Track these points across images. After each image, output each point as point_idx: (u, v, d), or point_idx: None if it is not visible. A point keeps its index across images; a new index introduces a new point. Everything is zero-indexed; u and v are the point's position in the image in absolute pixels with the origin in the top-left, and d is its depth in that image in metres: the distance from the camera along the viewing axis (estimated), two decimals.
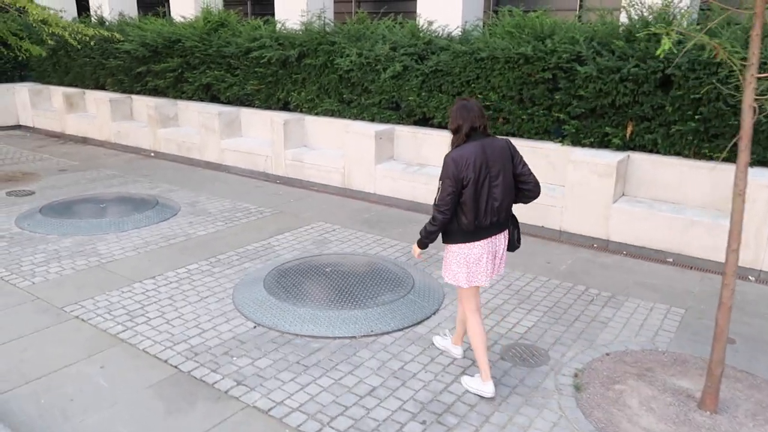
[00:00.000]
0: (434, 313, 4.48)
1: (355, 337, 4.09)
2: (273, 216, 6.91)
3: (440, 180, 3.22)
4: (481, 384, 3.49)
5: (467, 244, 3.32)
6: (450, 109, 3.34)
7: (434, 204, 3.28)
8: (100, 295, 4.73)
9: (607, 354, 3.94)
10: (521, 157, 3.39)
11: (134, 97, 11.11)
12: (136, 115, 11.15)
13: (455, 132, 3.28)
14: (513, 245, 3.58)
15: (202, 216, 6.84)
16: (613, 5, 6.68)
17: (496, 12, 8.54)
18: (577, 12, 8.95)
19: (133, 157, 10.19)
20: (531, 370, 3.76)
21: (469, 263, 3.34)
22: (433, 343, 4.04)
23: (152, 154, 10.31)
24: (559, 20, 6.94)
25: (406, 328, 4.24)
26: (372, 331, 4.14)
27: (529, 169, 3.41)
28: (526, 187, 3.39)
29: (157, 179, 8.55)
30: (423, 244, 3.43)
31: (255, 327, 4.23)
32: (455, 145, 3.27)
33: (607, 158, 5.92)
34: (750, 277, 5.24)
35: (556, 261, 5.62)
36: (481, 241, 3.32)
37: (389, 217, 6.91)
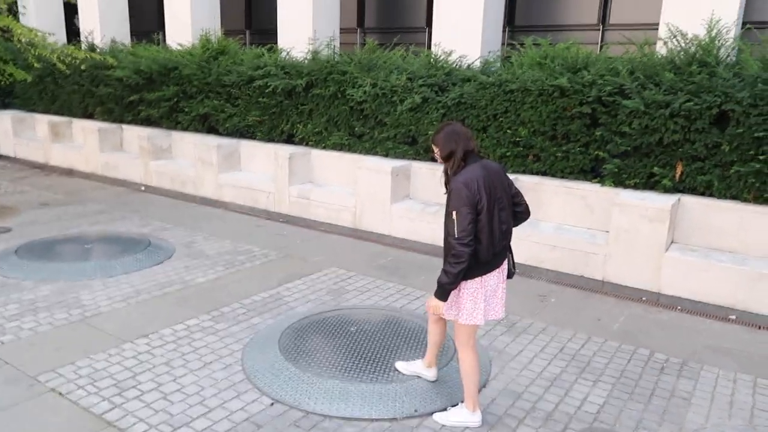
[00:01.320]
0: (485, 385, 3.77)
1: (396, 418, 3.36)
2: (279, 260, 6.19)
3: (453, 210, 3.00)
4: (469, 414, 3.31)
5: (485, 276, 3.14)
6: (435, 137, 3.18)
7: (455, 238, 2.98)
8: (82, 360, 3.95)
9: None
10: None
11: (125, 126, 10.43)
12: (127, 145, 10.46)
13: (447, 158, 3.14)
14: (510, 272, 3.37)
15: (199, 259, 6.10)
16: (634, 37, 6.18)
17: (512, 45, 8.09)
18: (599, 43, 8.51)
19: (122, 190, 9.44)
20: None
21: (487, 296, 3.17)
22: (398, 370, 3.76)
23: (143, 188, 9.58)
24: (588, 52, 6.45)
25: (455, 405, 3.52)
26: (416, 411, 3.41)
27: (519, 190, 3.35)
28: (519, 209, 3.32)
29: (148, 216, 7.81)
30: (447, 292, 3.09)
31: (272, 404, 3.48)
32: (453, 171, 3.12)
33: (659, 202, 5.32)
34: None
35: (607, 318, 4.96)
36: (496, 270, 3.19)
37: (409, 263, 6.22)
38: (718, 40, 5.73)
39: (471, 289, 3.11)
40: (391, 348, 4.09)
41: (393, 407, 3.42)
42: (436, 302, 3.14)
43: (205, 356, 4.05)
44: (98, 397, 3.53)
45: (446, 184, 3.20)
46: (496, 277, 3.18)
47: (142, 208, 8.27)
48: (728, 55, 5.88)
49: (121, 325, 4.50)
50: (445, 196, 3.13)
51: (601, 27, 8.77)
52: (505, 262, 3.26)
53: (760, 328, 4.84)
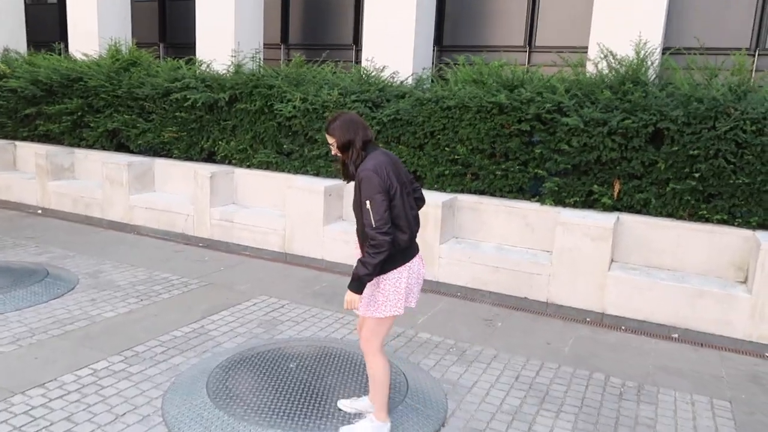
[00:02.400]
0: (443, 425, 3.40)
1: None
2: (202, 289, 5.58)
3: (367, 199, 2.86)
4: (381, 427, 3.12)
5: (408, 263, 3.04)
6: (330, 127, 3.04)
7: (372, 228, 2.84)
8: None
9: None
10: None
11: (19, 143, 9.35)
12: (21, 164, 9.37)
13: (345, 148, 3.02)
14: None
15: (108, 290, 5.37)
16: (558, 59, 6.23)
17: (442, 64, 7.99)
18: (527, 65, 8.59)
19: (14, 214, 8.38)
20: None
21: (410, 284, 3.07)
22: (339, 409, 3.40)
23: (39, 211, 8.56)
24: (523, 70, 6.41)
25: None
26: None
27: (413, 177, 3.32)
28: (417, 195, 3.28)
29: (46, 242, 6.91)
30: (364, 285, 2.94)
31: None
32: (354, 161, 3.00)
33: (601, 220, 5.25)
34: None
35: (556, 341, 4.76)
36: (417, 255, 3.12)
37: (344, 289, 5.79)
38: (648, 61, 5.84)
39: (393, 279, 2.99)
40: (338, 385, 3.64)
41: None
42: (352, 296, 2.96)
43: (116, 407, 3.41)
44: None
45: (345, 174, 3.11)
46: (418, 264, 3.12)
47: (38, 233, 7.33)
48: (655, 76, 6.02)
49: (10, 373, 3.75)
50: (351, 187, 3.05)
51: (528, 48, 8.89)
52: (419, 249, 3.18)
53: (702, 345, 4.82)
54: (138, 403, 3.47)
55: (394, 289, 3.00)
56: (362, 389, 3.63)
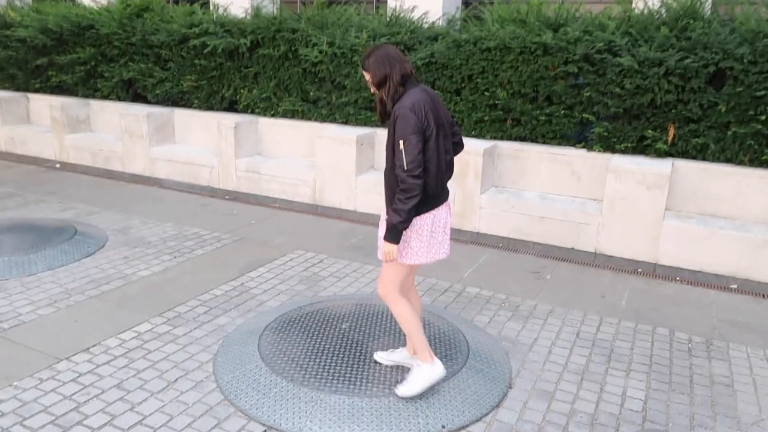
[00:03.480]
0: (510, 387, 3.23)
1: None
2: (235, 244, 5.38)
3: (401, 139, 2.66)
4: (430, 369, 2.94)
5: (434, 210, 2.87)
6: (366, 62, 2.82)
7: (404, 170, 2.66)
8: (4, 389, 3.07)
9: None
10: None
11: (32, 96, 9.03)
12: (35, 117, 9.07)
13: (381, 85, 2.81)
14: None
15: (140, 247, 5.19)
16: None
17: (466, 3, 7.52)
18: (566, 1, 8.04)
19: (33, 169, 8.16)
20: None
21: (435, 233, 2.90)
22: (377, 362, 3.30)
23: (58, 165, 8.33)
24: (568, 6, 5.95)
25: (486, 415, 2.96)
26: (444, 426, 2.82)
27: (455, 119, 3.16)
28: (456, 140, 3.07)
29: (68, 198, 6.70)
30: (400, 233, 2.75)
31: None
32: (392, 96, 2.78)
33: (657, 167, 4.95)
34: None
35: (611, 294, 4.55)
36: (444, 203, 2.94)
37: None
38: None
39: (416, 226, 2.83)
40: (397, 346, 3.46)
41: (416, 425, 2.81)
42: (389, 247, 2.78)
43: (167, 373, 3.26)
44: None
45: (382, 114, 2.87)
46: (445, 212, 2.96)
47: (60, 188, 7.12)
48: (711, 11, 5.56)
49: (51, 338, 3.60)
50: (387, 127, 2.81)
51: None
52: (449, 197, 3.01)
53: (764, 296, 4.60)
54: (188, 367, 3.31)
55: (417, 236, 2.85)
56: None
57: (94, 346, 3.51)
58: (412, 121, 2.66)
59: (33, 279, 4.47)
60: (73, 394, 3.03)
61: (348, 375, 3.15)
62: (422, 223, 2.84)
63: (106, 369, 3.27)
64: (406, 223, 2.72)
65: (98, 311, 3.97)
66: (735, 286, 4.77)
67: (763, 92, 4.74)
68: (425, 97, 2.78)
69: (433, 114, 2.76)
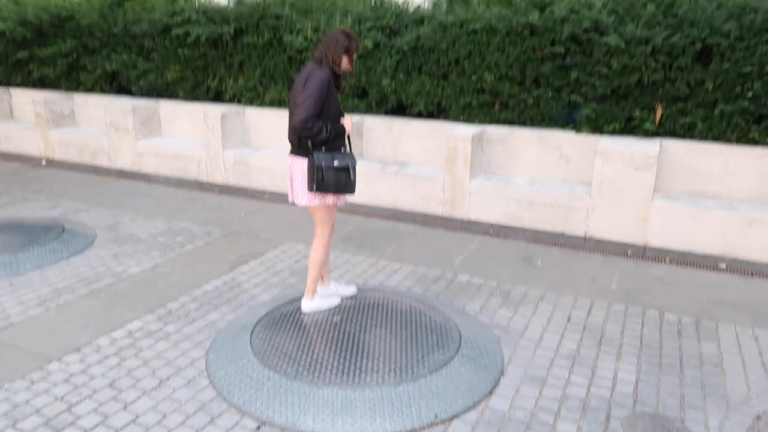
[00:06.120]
0: (502, 374, 3.25)
1: (416, 430, 2.78)
2: (225, 238, 5.36)
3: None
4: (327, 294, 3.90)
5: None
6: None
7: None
8: None
9: (758, 418, 2.91)
10: None
11: (14, 90, 8.90)
12: (18, 113, 8.96)
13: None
14: None
15: (129, 244, 5.16)
16: None
17: None
18: None
19: (18, 166, 8.07)
20: None
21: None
22: (302, 311, 3.80)
23: (44, 162, 8.25)
24: None
25: (479, 403, 2.98)
26: (437, 416, 2.84)
27: None
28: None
29: (56, 195, 6.64)
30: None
31: (259, 428, 2.79)
32: None
33: (644, 147, 4.94)
34: None
35: (601, 277, 4.58)
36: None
37: (374, 231, 5.58)
38: None
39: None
40: (386, 338, 3.47)
41: (409, 415, 2.83)
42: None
43: (159, 370, 3.25)
44: None
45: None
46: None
47: (47, 186, 7.05)
48: None
49: (42, 338, 3.58)
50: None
51: None
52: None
53: (752, 275, 4.64)
54: (181, 365, 3.31)
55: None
56: (415, 341, 3.46)
57: (85, 345, 3.50)
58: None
59: (22, 279, 4.43)
60: (66, 394, 3.02)
61: (341, 367, 3.15)
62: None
63: (98, 368, 3.26)
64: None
65: (89, 310, 3.95)
66: (724, 266, 4.80)
67: (749, 68, 4.73)
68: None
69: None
